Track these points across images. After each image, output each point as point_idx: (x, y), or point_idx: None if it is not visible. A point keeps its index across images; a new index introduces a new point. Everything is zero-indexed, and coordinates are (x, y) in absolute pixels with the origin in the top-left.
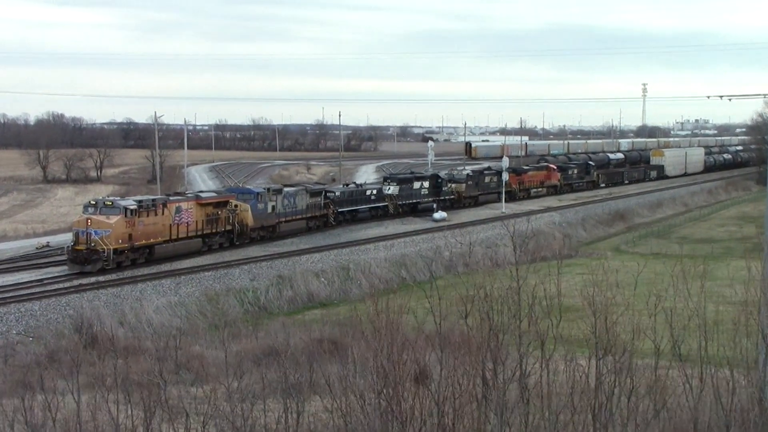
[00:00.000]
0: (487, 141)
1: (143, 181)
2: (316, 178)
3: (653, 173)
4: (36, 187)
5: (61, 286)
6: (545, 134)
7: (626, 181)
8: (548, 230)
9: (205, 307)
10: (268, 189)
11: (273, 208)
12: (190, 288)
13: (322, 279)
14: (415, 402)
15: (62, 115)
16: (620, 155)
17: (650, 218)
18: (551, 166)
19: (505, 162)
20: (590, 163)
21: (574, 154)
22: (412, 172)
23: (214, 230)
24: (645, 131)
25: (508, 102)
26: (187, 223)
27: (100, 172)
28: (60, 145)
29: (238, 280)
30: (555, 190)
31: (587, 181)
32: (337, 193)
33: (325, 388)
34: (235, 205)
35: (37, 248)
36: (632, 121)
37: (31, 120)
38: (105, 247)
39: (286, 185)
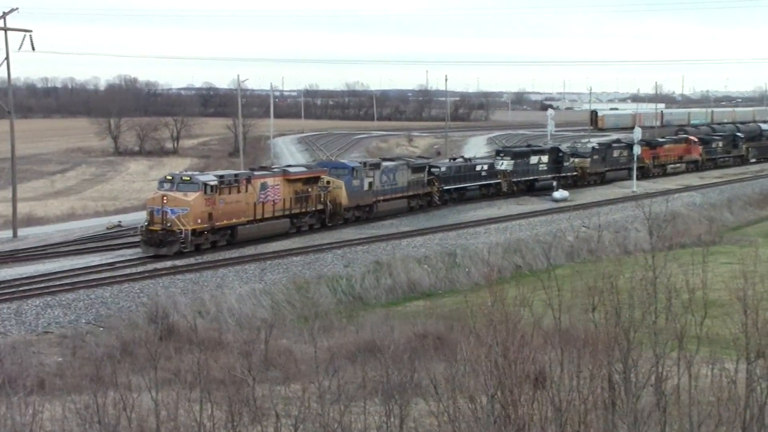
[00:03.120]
0: (616, 109)
1: (224, 153)
2: (418, 151)
3: None
4: (106, 159)
5: (134, 270)
6: (685, 101)
7: None
8: (687, 213)
9: (293, 296)
10: (365, 163)
11: (370, 185)
12: (277, 274)
13: (426, 266)
14: (533, 407)
15: (135, 80)
16: None
17: None
18: (691, 138)
19: (638, 133)
20: (738, 134)
21: (718, 124)
22: (528, 145)
23: (303, 210)
24: None
25: (641, 64)
26: (274, 201)
27: (177, 143)
28: (133, 112)
29: (330, 267)
30: (696, 166)
31: (734, 155)
32: (443, 169)
33: (430, 390)
34: (327, 182)
35: (107, 228)
36: None
37: (102, 85)
38: (182, 228)
39: (384, 159)
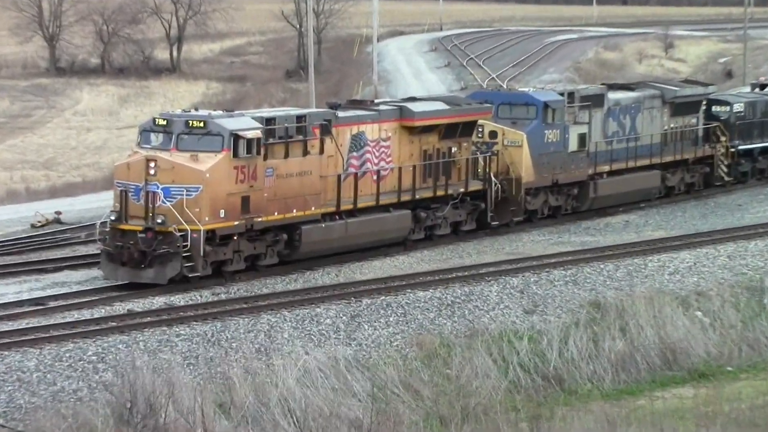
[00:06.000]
0: None
1: (276, 72)
2: (685, 70)
3: None
4: (33, 83)
5: (86, 315)
6: None
7: None
8: None
9: (416, 372)
10: (570, 95)
11: (581, 140)
12: (383, 327)
13: (699, 313)
14: None
15: None
16: None
17: None
18: None
19: None
20: None
21: None
22: None
23: (440, 191)
24: None
25: None
26: (378, 172)
27: (179, 50)
28: None
29: (495, 312)
30: None
31: None
32: (738, 107)
33: None
34: (492, 134)
35: (34, 226)
36: None
37: None
38: (187, 228)
39: (612, 86)
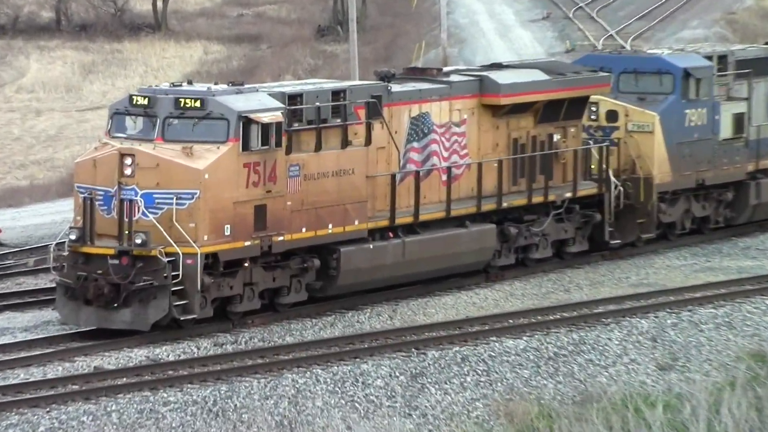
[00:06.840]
0: None
1: (304, 28)
2: None
3: None
4: None
5: (36, 374)
6: None
7: None
8: None
9: None
10: (722, 58)
11: (737, 123)
12: (455, 390)
13: None
14: None
15: None
16: None
17: None
18: None
19: None
20: None
21: None
22: None
23: (537, 197)
24: None
25: None
26: (449, 169)
27: (165, 2)
28: None
29: (617, 368)
30: None
31: None
32: None
33: None
34: (612, 114)
35: None
36: None
37: None
38: (179, 251)
39: None
